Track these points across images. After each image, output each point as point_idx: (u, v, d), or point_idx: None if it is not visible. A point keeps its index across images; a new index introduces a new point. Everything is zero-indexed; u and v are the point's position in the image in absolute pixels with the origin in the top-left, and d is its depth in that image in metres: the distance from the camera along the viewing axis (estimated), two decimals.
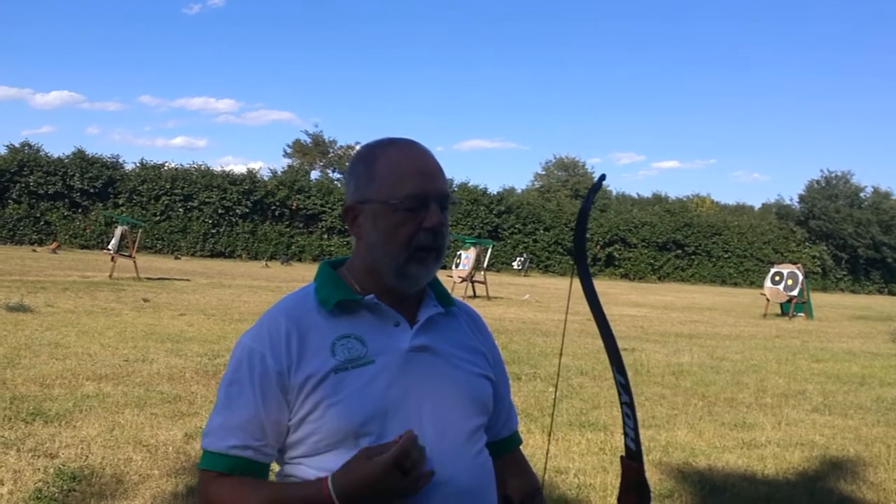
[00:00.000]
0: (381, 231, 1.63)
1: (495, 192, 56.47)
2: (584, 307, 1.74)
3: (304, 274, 32.05)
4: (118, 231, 24.22)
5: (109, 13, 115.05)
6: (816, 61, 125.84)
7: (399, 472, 1.47)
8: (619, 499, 1.69)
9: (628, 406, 1.70)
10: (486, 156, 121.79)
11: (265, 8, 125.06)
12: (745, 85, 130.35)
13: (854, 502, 5.29)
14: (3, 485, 4.53)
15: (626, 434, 1.71)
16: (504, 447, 1.88)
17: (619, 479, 1.70)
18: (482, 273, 24.46)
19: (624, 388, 1.70)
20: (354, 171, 1.70)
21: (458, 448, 1.65)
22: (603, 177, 1.75)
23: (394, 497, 1.49)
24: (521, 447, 1.98)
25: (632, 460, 1.69)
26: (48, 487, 4.49)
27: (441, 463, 1.59)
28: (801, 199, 66.90)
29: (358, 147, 1.73)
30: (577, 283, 1.75)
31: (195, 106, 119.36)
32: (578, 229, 1.75)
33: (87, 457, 5.14)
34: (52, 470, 4.78)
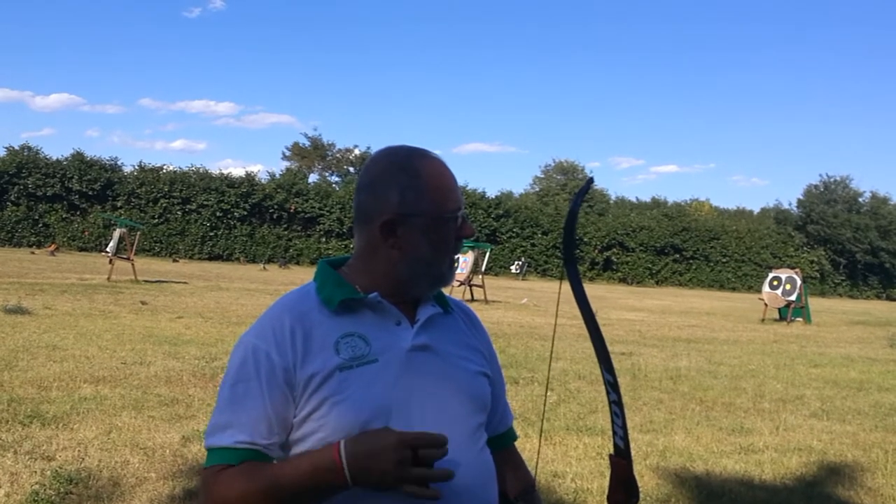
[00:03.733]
0: (433, 243, 1.68)
1: (493, 196, 56.46)
2: (556, 308, 1.76)
3: (302, 277, 32.03)
4: (116, 233, 24.16)
5: (109, 16, 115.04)
6: (816, 65, 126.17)
7: (412, 453, 1.45)
8: (609, 496, 1.71)
9: (616, 404, 1.72)
10: (486, 159, 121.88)
11: (265, 11, 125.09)
12: (744, 89, 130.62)
13: None
14: (0, 487, 4.53)
15: (614, 432, 1.73)
16: (500, 443, 1.90)
17: (609, 477, 1.71)
18: (480, 277, 24.46)
19: (612, 386, 1.72)
20: (396, 181, 1.68)
21: (461, 446, 1.65)
22: (591, 180, 1.76)
23: (396, 480, 1.46)
24: (518, 450, 2.00)
25: (620, 458, 1.71)
26: (45, 490, 4.49)
27: (445, 461, 1.59)
28: (800, 203, 66.93)
29: (381, 154, 1.67)
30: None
31: (195, 109, 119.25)
32: (567, 231, 1.77)
33: (84, 459, 5.13)
34: (49, 472, 4.78)
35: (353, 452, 1.47)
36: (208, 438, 1.62)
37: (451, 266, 1.74)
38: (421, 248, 1.67)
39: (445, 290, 1.84)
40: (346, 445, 1.49)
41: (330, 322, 1.65)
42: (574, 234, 1.79)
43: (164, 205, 47.81)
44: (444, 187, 1.69)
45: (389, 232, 1.67)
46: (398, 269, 1.69)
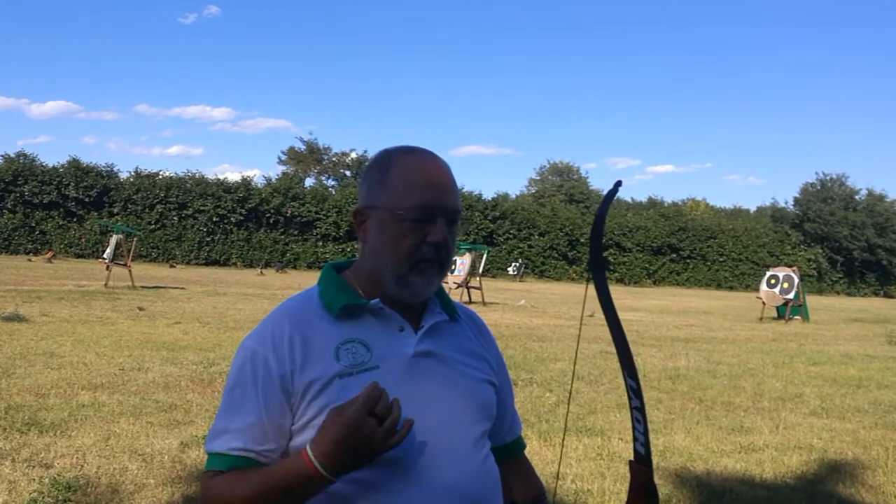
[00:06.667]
0: (386, 239, 1.62)
1: (490, 198, 56.46)
2: (581, 312, 1.74)
3: (299, 281, 32.00)
4: (113, 240, 24.15)
5: (105, 23, 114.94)
6: (811, 64, 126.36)
7: (373, 419, 1.43)
8: (628, 502, 1.68)
9: (639, 410, 1.69)
10: (483, 162, 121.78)
11: (261, 17, 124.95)
12: (740, 89, 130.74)
13: None
14: None
15: (635, 438, 1.70)
16: (509, 452, 1.88)
17: (629, 483, 1.69)
18: (478, 279, 24.47)
19: (635, 392, 1.69)
20: (368, 175, 1.69)
21: (464, 454, 1.64)
22: (619, 183, 1.72)
23: (374, 449, 1.45)
24: (528, 459, 1.98)
25: (641, 464, 1.68)
26: (43, 498, 4.47)
27: (448, 469, 1.58)
28: (796, 201, 66.97)
29: (369, 153, 1.72)
30: (580, 289, 1.75)
31: (191, 114, 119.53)
32: (594, 236, 1.74)
33: (82, 466, 5.11)
34: (47, 480, 4.75)
35: (321, 452, 1.45)
36: (207, 443, 1.62)
37: (420, 273, 1.63)
38: (377, 242, 1.64)
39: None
40: (311, 448, 1.47)
41: (331, 328, 1.63)
42: (601, 239, 1.75)
43: (161, 210, 47.77)
44: (410, 183, 1.62)
45: (361, 225, 1.67)
46: (367, 264, 1.68)
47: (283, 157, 75.16)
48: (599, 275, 1.74)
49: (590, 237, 1.77)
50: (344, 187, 59.18)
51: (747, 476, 5.81)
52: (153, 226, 47.20)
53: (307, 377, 1.57)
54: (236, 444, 1.57)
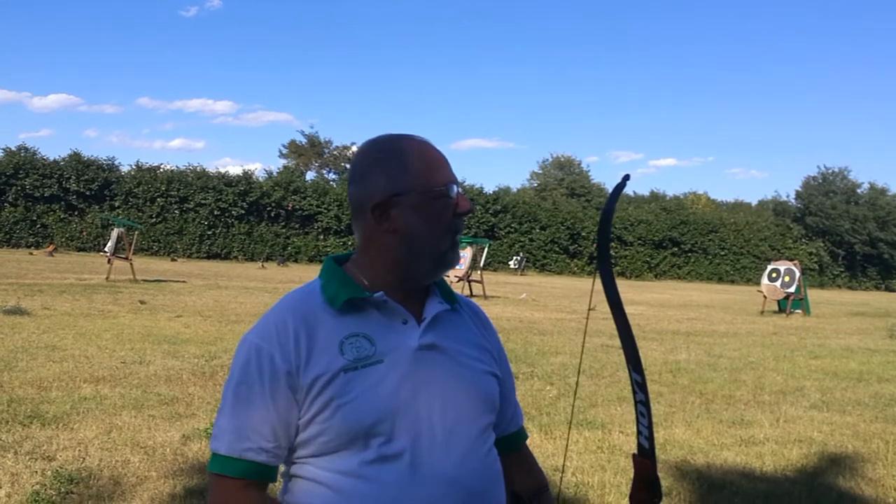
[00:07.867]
0: (426, 220, 1.61)
1: (491, 192, 56.43)
2: (582, 306, 1.74)
3: (300, 275, 32.01)
4: (114, 233, 24.15)
5: (106, 16, 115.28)
6: (813, 57, 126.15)
7: None
8: (631, 496, 1.68)
9: (643, 404, 1.69)
10: (485, 155, 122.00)
11: (262, 10, 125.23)
12: (742, 82, 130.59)
13: (853, 498, 5.30)
14: (0, 488, 4.52)
15: (639, 432, 1.71)
16: (511, 443, 1.87)
17: (633, 477, 1.70)
18: (479, 272, 24.44)
19: (640, 386, 1.69)
20: (381, 164, 1.65)
21: (468, 447, 1.63)
22: (627, 177, 1.72)
23: None
24: (530, 450, 1.98)
25: (645, 458, 1.68)
26: (46, 490, 4.48)
27: (451, 462, 1.58)
28: (798, 195, 66.95)
29: (365, 143, 1.66)
30: (581, 282, 1.76)
31: (193, 108, 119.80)
32: (602, 231, 1.74)
33: (84, 459, 5.13)
34: (49, 472, 4.77)
35: None
36: (214, 441, 1.59)
37: (454, 246, 1.67)
38: (416, 226, 1.62)
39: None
40: None
41: (334, 322, 1.61)
42: (609, 233, 1.74)
43: (162, 204, 47.78)
44: (430, 162, 1.65)
45: (382, 215, 1.63)
46: (397, 254, 1.64)
47: (285, 151, 75.35)
48: (606, 270, 1.74)
49: (598, 232, 1.76)
50: (345, 181, 59.09)
51: (747, 469, 5.82)
52: (154, 219, 47.22)
53: (312, 372, 1.56)
54: (247, 445, 1.55)
